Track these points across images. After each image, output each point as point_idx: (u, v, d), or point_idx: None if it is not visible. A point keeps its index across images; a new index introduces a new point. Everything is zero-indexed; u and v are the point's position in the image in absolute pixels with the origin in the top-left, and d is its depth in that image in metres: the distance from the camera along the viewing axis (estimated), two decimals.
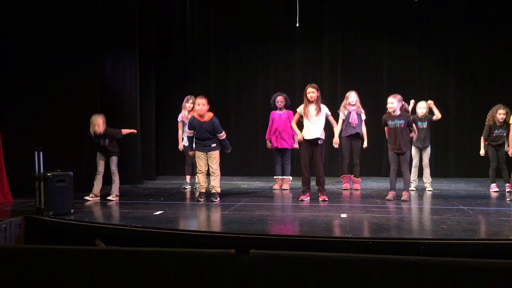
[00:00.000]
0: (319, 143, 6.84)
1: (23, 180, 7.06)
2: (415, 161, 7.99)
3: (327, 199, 6.87)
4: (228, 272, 3.39)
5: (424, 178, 8.02)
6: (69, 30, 7.90)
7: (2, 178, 6.94)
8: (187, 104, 8.15)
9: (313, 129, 6.82)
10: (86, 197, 6.93)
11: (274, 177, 8.38)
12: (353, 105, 8.10)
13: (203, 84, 10.57)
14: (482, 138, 7.90)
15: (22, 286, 3.61)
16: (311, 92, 6.83)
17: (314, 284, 3.29)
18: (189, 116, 7.40)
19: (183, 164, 8.57)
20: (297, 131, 6.98)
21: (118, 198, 7.04)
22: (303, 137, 6.87)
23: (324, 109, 6.93)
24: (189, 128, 7.09)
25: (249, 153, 10.59)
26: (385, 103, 8.08)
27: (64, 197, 5.90)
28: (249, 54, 10.67)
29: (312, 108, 6.84)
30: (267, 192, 7.99)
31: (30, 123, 7.77)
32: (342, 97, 8.51)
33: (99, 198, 6.99)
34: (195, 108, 7.03)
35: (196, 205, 6.70)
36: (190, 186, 8.37)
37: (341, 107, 8.22)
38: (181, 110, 8.28)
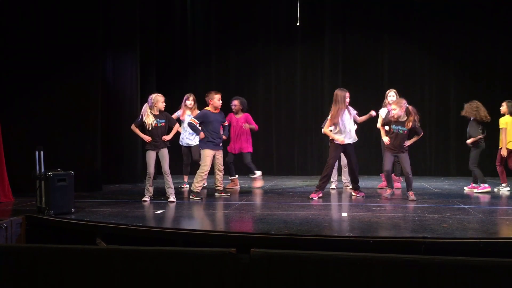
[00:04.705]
0: (352, 144, 7.07)
1: (24, 179, 7.07)
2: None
3: (364, 195, 7.14)
4: (229, 271, 3.39)
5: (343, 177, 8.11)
6: (70, 28, 7.89)
7: (3, 177, 6.95)
8: (188, 102, 8.13)
9: (350, 132, 6.99)
10: (144, 199, 6.83)
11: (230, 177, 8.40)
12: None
13: (204, 83, 10.55)
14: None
15: (23, 285, 3.61)
16: (348, 97, 6.94)
17: (315, 283, 3.29)
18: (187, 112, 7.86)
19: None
20: (333, 135, 6.97)
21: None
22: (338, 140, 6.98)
23: (353, 111, 7.12)
24: (197, 118, 7.18)
25: None
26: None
27: (65, 196, 5.90)
28: (250, 53, 10.67)
29: (346, 112, 6.96)
30: (268, 191, 7.98)
31: (31, 122, 7.76)
32: None
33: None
34: (216, 103, 7.14)
35: (196, 204, 6.70)
36: (187, 186, 8.36)
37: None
38: (180, 108, 8.24)
